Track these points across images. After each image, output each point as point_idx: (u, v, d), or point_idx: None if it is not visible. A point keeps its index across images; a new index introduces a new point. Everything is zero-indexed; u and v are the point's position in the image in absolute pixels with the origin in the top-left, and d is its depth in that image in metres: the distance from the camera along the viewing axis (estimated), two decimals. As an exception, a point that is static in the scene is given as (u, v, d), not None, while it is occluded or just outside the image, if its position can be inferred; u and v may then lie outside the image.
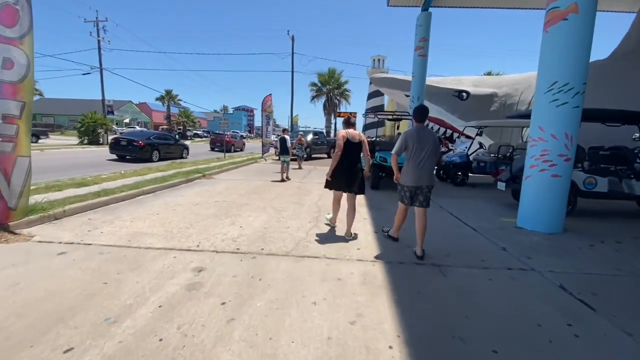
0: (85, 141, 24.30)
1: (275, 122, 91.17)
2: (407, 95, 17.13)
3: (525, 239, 4.54)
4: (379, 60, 57.25)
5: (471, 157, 10.20)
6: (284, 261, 3.36)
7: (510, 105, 15.54)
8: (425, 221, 3.68)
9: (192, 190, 7.31)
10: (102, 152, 16.43)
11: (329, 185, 4.37)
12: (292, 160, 13.30)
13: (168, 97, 46.11)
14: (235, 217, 5.03)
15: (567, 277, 3.23)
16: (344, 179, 4.21)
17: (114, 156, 14.15)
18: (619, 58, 12.32)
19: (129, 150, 13.73)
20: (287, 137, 10.35)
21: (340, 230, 4.51)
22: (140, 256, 3.38)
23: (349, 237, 4.23)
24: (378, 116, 9.54)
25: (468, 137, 16.01)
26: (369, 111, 25.73)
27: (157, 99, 47.62)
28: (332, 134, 37.11)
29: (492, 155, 10.49)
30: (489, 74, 31.91)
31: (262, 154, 16.74)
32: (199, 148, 25.54)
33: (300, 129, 39.45)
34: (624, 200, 6.35)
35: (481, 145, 10.35)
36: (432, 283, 2.99)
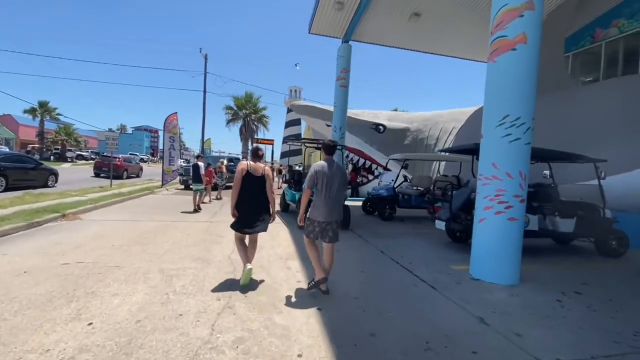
0: None
1: (184, 146, 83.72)
2: (329, 125, 16.83)
3: (492, 298, 3.75)
4: (295, 91, 58.65)
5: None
6: None
7: (420, 140, 16.53)
8: (333, 255, 3.68)
9: (32, 244, 4.78)
10: None
11: (233, 225, 3.80)
12: (212, 190, 11.30)
13: (42, 110, 37.59)
14: (87, 300, 3.01)
15: (586, 372, 2.35)
16: (246, 217, 3.74)
17: None
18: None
19: (-50, 177, 9.57)
20: (200, 163, 9.15)
21: (265, 289, 2.98)
22: None
23: (244, 282, 3.58)
24: (306, 144, 8.47)
25: (386, 168, 16.34)
26: (291, 139, 24.89)
27: (26, 112, 38.39)
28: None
29: (414, 188, 10.41)
30: (395, 110, 35.03)
31: (162, 183, 13.92)
32: (80, 173, 20.64)
33: (214, 153, 36.53)
34: (547, 237, 6.43)
35: (406, 179, 10.16)
36: None
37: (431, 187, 10.02)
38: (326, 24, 13.27)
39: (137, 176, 21.68)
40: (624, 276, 5.02)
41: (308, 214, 3.55)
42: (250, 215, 3.72)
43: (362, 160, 16.78)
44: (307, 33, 14.00)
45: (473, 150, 7.20)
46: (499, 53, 4.35)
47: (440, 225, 6.11)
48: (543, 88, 12.33)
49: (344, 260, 4.80)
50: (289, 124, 29.61)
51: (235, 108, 29.37)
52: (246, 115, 29.44)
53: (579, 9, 11.95)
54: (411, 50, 15.57)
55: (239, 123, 29.90)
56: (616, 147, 7.83)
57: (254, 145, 4.50)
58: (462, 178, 10.35)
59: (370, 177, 16.67)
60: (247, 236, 3.85)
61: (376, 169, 16.70)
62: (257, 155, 3.90)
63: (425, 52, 15.89)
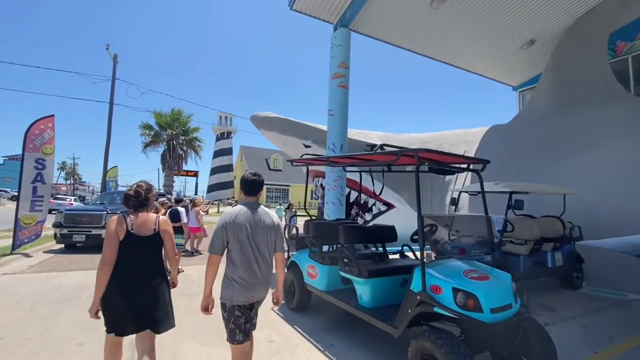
0: None
1: (80, 179, 67.44)
2: (308, 146, 12.14)
3: None
4: (226, 117, 52.87)
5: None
6: None
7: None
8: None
9: None
10: None
11: (107, 324, 2.22)
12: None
13: None
14: None
15: None
16: (127, 307, 2.17)
17: None
18: (528, 122, 11.69)
19: None
20: (181, 208, 6.54)
21: None
22: None
23: None
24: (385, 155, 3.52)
25: (387, 204, 12.22)
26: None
27: None
28: (175, 195, 27.38)
29: (512, 241, 6.26)
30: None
31: (15, 246, 7.12)
32: None
33: (121, 188, 28.01)
34: None
35: (507, 226, 5.94)
36: None
37: (539, 240, 6.03)
38: (320, -4, 9.02)
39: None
40: None
41: (220, 297, 2.24)
42: (138, 303, 2.18)
43: (354, 194, 12.34)
44: (289, 9, 9.53)
45: None
46: None
47: None
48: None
49: None
50: (218, 154, 24.03)
51: (156, 127, 22.39)
52: (172, 137, 22.64)
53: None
54: (419, 54, 12.25)
55: (162, 147, 22.85)
56: None
57: (135, 184, 1.92)
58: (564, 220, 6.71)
59: (367, 216, 12.23)
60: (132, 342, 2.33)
61: (374, 204, 12.42)
62: (139, 201, 2.28)
63: (433, 58, 12.77)
